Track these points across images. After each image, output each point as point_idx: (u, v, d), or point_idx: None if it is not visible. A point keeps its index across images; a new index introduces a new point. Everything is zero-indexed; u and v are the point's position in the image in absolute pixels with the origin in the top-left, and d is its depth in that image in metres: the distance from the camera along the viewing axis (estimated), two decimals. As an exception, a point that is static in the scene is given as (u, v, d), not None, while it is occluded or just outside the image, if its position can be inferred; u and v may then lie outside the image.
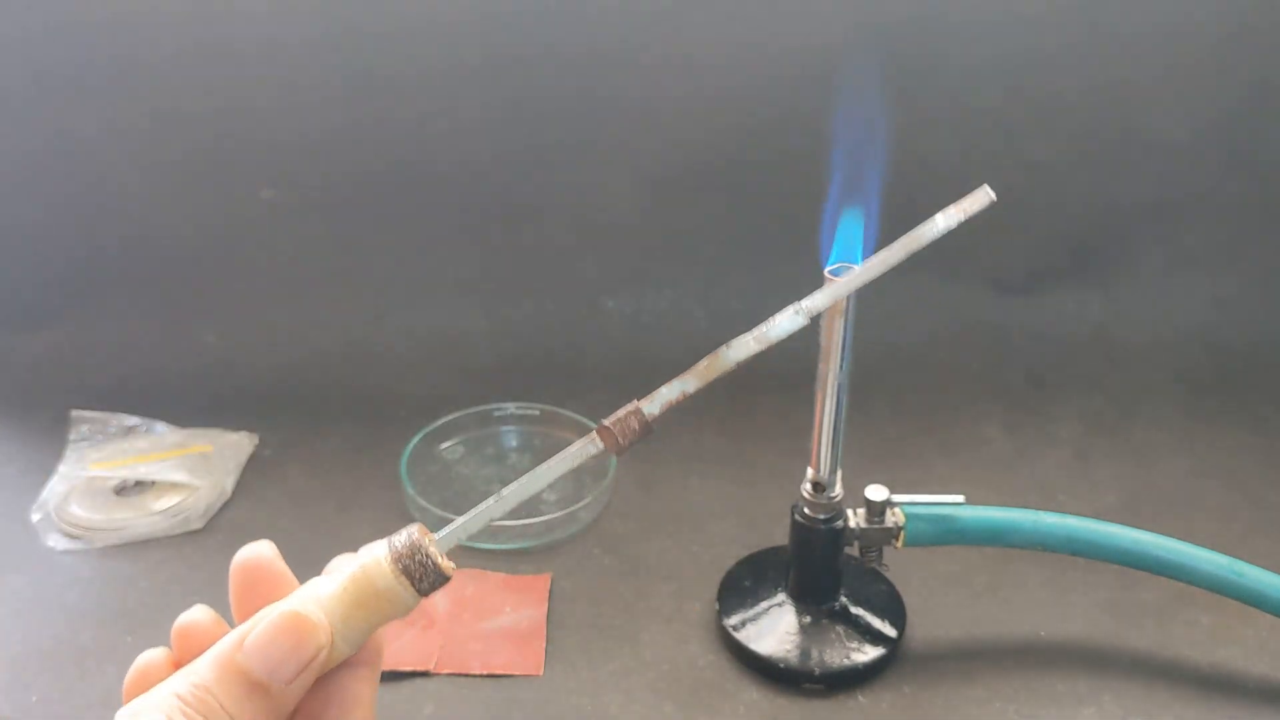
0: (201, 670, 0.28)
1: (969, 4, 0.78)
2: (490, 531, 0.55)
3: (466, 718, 0.52)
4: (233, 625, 0.32)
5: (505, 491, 0.35)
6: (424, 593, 0.33)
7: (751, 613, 0.56)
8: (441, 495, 0.66)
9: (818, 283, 0.48)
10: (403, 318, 0.82)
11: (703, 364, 0.35)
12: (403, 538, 0.34)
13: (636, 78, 0.80)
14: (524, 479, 0.36)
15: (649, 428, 0.36)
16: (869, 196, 0.47)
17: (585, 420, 0.71)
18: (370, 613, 0.32)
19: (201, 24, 0.77)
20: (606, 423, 0.36)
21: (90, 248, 0.82)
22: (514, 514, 0.58)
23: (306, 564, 0.36)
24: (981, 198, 0.39)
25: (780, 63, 0.79)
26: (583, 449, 0.36)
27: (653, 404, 0.36)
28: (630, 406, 0.36)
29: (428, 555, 0.33)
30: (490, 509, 0.35)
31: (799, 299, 0.37)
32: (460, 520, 0.35)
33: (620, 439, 0.36)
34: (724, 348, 0.35)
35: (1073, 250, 0.85)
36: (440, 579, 0.33)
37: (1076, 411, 0.76)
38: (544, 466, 0.36)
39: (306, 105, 0.80)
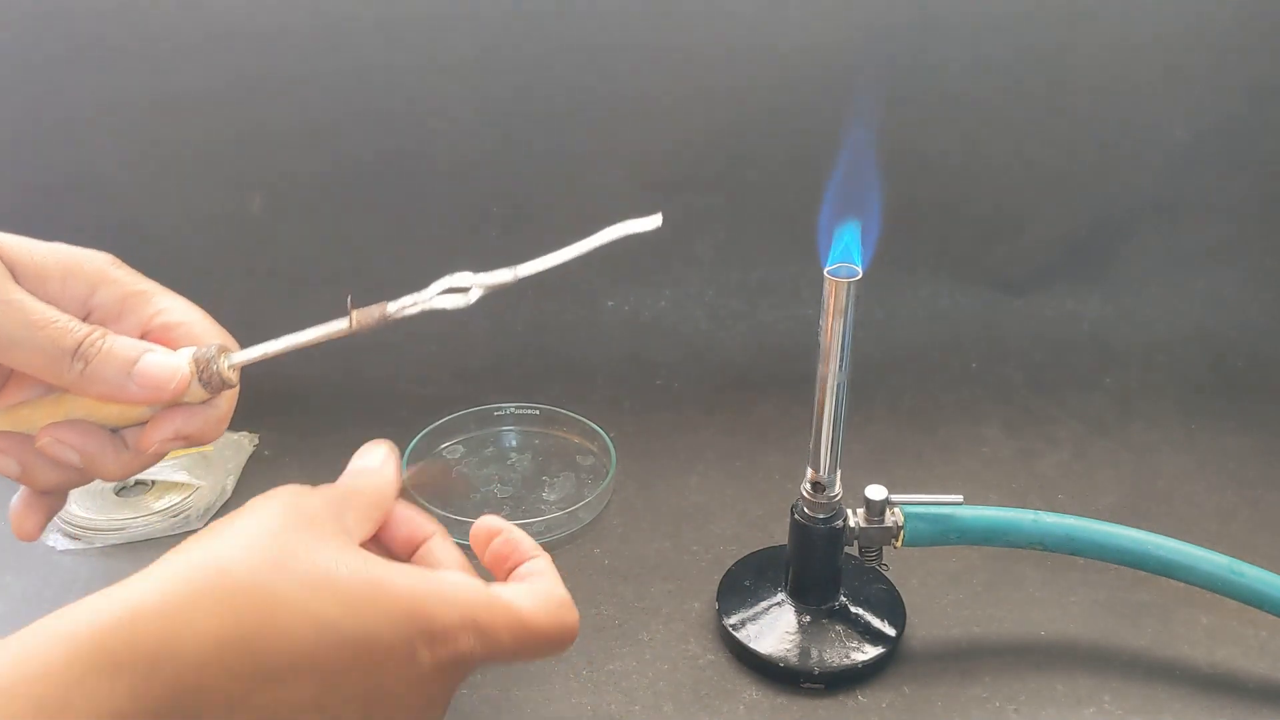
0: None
1: (969, 3, 0.78)
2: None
3: (466, 717, 0.52)
4: None
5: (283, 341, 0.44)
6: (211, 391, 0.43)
7: (751, 612, 0.56)
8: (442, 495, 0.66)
9: (818, 283, 0.48)
10: (402, 317, 0.82)
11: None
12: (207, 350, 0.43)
13: (636, 77, 0.80)
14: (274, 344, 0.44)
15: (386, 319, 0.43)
16: (869, 196, 0.47)
17: (585, 420, 0.71)
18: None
19: (201, 23, 0.77)
20: (355, 311, 0.43)
21: (88, 246, 0.82)
22: (514, 515, 0.58)
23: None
24: (651, 222, 0.47)
25: (780, 61, 0.79)
26: (329, 327, 0.43)
27: (394, 305, 0.44)
28: (379, 305, 0.43)
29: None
30: (266, 345, 0.44)
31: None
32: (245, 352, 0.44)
33: (359, 322, 0.43)
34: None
35: (1073, 250, 0.85)
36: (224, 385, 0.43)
37: (1076, 411, 0.76)
38: (288, 338, 0.44)
39: (305, 104, 0.80)
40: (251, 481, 0.69)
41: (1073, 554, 0.54)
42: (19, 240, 0.43)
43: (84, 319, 0.43)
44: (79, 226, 0.82)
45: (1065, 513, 0.54)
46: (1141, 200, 0.84)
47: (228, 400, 0.45)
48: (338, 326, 0.43)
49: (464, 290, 0.42)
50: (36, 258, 0.43)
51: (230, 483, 0.68)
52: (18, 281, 0.41)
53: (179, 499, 0.65)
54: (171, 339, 0.44)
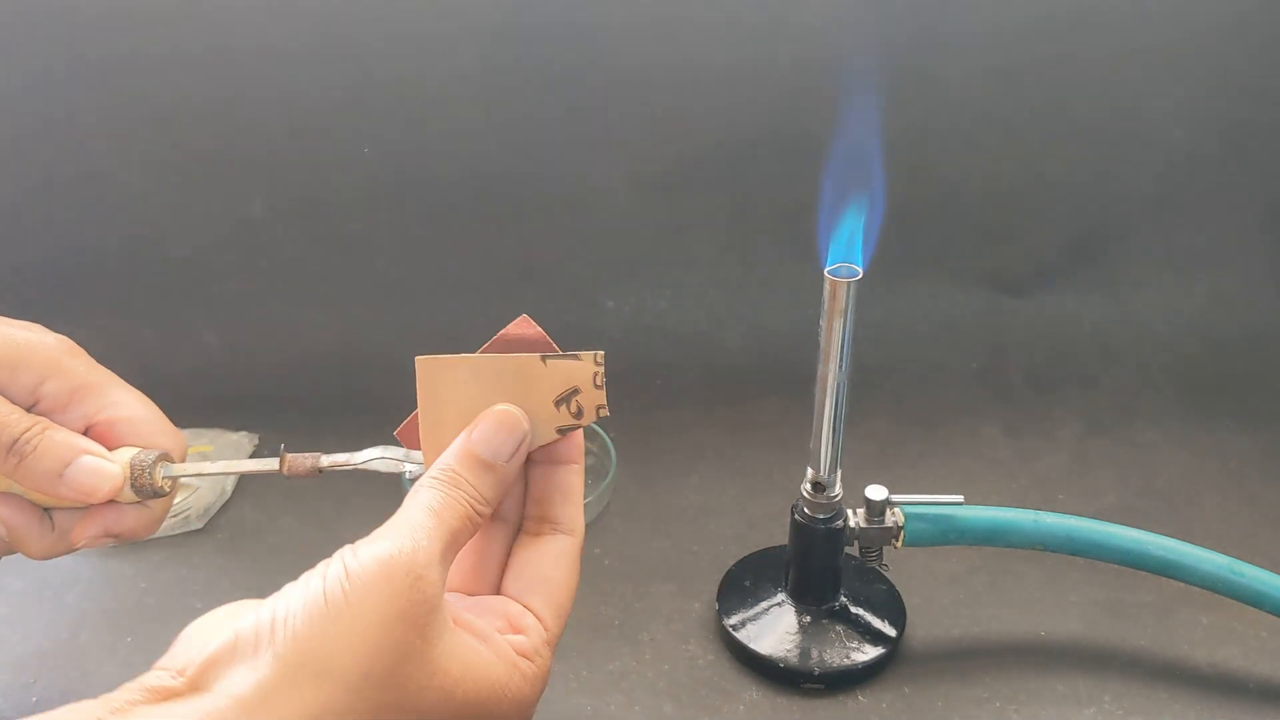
0: (447, 458, 0.39)
1: (970, 5, 0.78)
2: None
3: (466, 718, 0.52)
4: None
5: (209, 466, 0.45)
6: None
7: (751, 612, 0.56)
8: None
9: (818, 283, 0.48)
10: (402, 318, 0.82)
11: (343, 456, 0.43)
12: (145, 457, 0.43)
13: (636, 77, 0.80)
14: (210, 465, 0.45)
15: (317, 472, 0.43)
16: (869, 196, 0.47)
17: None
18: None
19: (200, 24, 0.77)
20: (288, 455, 0.43)
21: (90, 248, 0.82)
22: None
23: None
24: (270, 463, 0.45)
25: (781, 61, 0.79)
26: (261, 463, 0.44)
27: (328, 459, 0.43)
28: (313, 455, 0.43)
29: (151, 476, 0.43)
30: (202, 465, 0.44)
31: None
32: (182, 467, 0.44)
33: (290, 468, 0.43)
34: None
35: (1073, 250, 0.85)
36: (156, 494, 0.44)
37: (1076, 411, 0.76)
38: (223, 463, 0.45)
39: (306, 106, 0.80)
40: (251, 481, 0.68)
41: (1073, 554, 0.54)
42: None
43: (30, 407, 0.43)
44: (80, 228, 0.82)
45: (1065, 513, 0.54)
46: (1141, 200, 0.84)
47: (162, 504, 0.45)
48: (269, 465, 0.43)
49: (397, 460, 0.43)
50: None
51: (230, 483, 0.68)
52: None
53: (179, 499, 0.65)
54: (116, 435, 0.44)
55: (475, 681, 0.36)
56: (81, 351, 0.45)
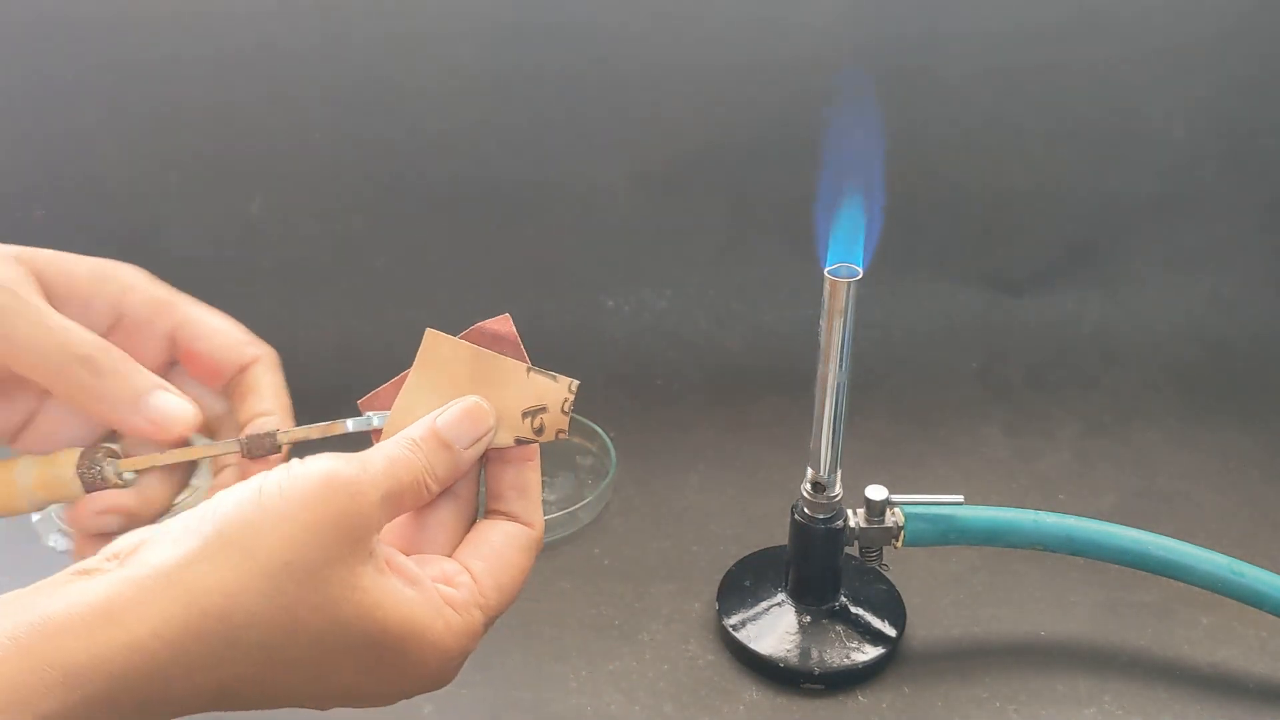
0: (411, 430, 0.40)
1: (971, 5, 0.78)
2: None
3: (466, 717, 0.52)
4: None
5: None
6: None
7: (751, 612, 0.56)
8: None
9: (818, 283, 0.48)
10: (402, 317, 0.82)
11: (323, 424, 0.43)
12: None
13: (636, 76, 0.80)
14: (164, 456, 0.43)
15: (278, 448, 0.43)
16: (869, 196, 0.47)
17: (585, 420, 0.71)
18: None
19: (200, 23, 0.77)
20: (245, 434, 0.43)
21: (90, 250, 0.82)
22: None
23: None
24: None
25: (781, 61, 0.79)
26: (221, 446, 0.43)
27: (286, 434, 0.43)
28: (270, 434, 0.43)
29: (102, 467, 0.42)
30: (155, 456, 0.43)
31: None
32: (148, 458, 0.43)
33: (250, 449, 0.43)
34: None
35: (1073, 250, 0.85)
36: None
37: (1076, 411, 0.76)
38: (179, 451, 0.43)
39: (304, 105, 0.80)
40: (251, 481, 0.68)
41: (1073, 554, 0.54)
42: (48, 253, 0.43)
43: (113, 324, 0.43)
44: (79, 228, 0.82)
45: (1065, 513, 0.54)
46: (1141, 200, 0.84)
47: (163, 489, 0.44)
48: (229, 448, 0.43)
49: (362, 430, 0.43)
50: (65, 265, 0.43)
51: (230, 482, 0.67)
52: (48, 292, 0.42)
53: (181, 497, 0.65)
54: (200, 348, 0.44)
55: (396, 611, 0.36)
56: (156, 279, 0.45)
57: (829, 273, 0.47)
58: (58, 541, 0.63)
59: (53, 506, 0.65)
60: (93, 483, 0.42)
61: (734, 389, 0.78)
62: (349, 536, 0.35)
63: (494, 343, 0.43)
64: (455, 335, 0.43)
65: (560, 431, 0.42)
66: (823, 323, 0.49)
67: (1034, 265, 0.85)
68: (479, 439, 0.41)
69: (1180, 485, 0.69)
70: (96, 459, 0.42)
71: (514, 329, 0.43)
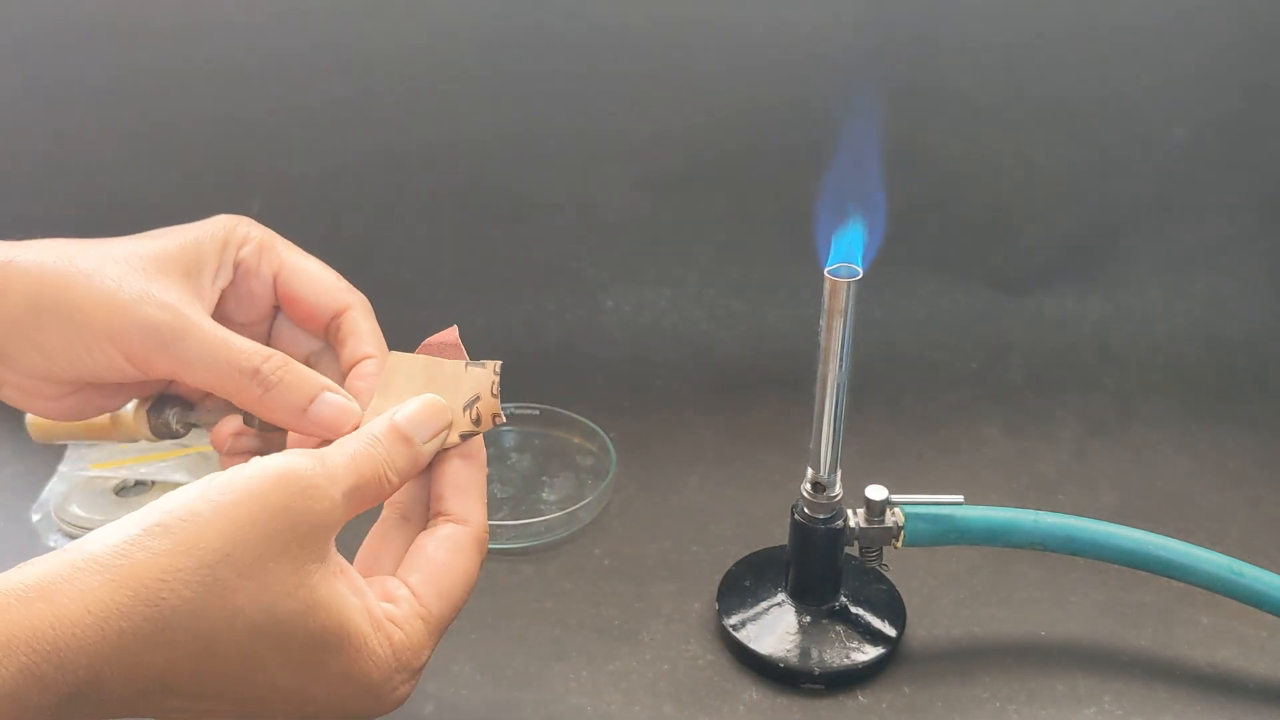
0: (372, 425, 0.41)
1: (970, 4, 0.78)
2: (490, 531, 0.55)
3: (466, 718, 0.52)
4: None
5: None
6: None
7: (751, 612, 0.56)
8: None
9: (818, 283, 0.48)
10: (402, 317, 0.82)
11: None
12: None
13: (636, 76, 0.80)
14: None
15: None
16: (869, 196, 0.47)
17: (585, 420, 0.71)
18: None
19: (200, 26, 0.77)
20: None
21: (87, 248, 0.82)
22: (514, 515, 0.58)
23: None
24: None
25: (781, 60, 0.79)
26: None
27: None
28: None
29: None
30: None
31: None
32: None
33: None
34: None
35: (1073, 250, 0.85)
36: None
37: (1076, 411, 0.76)
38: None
39: (304, 104, 0.80)
40: (251, 481, 0.68)
41: (1073, 554, 0.54)
42: (168, 240, 0.46)
43: (234, 278, 0.46)
44: (78, 228, 0.82)
45: (1065, 513, 0.54)
46: (1141, 200, 0.84)
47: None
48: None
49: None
50: (187, 240, 0.46)
51: (230, 483, 0.67)
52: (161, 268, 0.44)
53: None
54: (299, 293, 0.47)
55: (336, 616, 0.36)
56: (254, 222, 0.49)
57: (829, 273, 0.47)
58: (58, 541, 0.63)
59: (53, 506, 0.65)
60: (159, 430, 0.48)
61: (734, 389, 0.78)
62: (297, 531, 0.36)
63: (442, 351, 0.45)
64: (476, 345, 0.45)
65: (496, 416, 0.43)
66: (823, 323, 0.49)
67: (1034, 265, 0.85)
68: (437, 433, 0.42)
69: (1180, 485, 0.69)
70: (164, 413, 0.48)
71: (457, 336, 0.45)
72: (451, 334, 0.45)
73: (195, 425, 0.49)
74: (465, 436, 0.43)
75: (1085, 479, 0.69)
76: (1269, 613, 0.52)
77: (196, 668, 0.34)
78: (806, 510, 0.53)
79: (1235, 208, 0.84)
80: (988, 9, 0.78)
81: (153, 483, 0.67)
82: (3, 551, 0.63)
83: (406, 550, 0.42)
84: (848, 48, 0.79)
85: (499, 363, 0.44)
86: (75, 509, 0.65)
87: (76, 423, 0.47)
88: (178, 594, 0.33)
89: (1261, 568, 0.52)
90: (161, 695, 0.34)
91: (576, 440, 0.71)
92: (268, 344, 0.48)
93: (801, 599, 0.56)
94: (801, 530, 0.54)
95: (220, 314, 0.46)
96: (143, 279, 0.43)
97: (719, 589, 0.58)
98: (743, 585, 0.58)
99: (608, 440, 0.69)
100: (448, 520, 0.42)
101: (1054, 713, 0.52)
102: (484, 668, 0.55)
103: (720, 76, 0.80)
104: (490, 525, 0.44)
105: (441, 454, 0.43)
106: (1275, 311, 0.83)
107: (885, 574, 0.58)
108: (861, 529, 0.54)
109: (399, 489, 0.41)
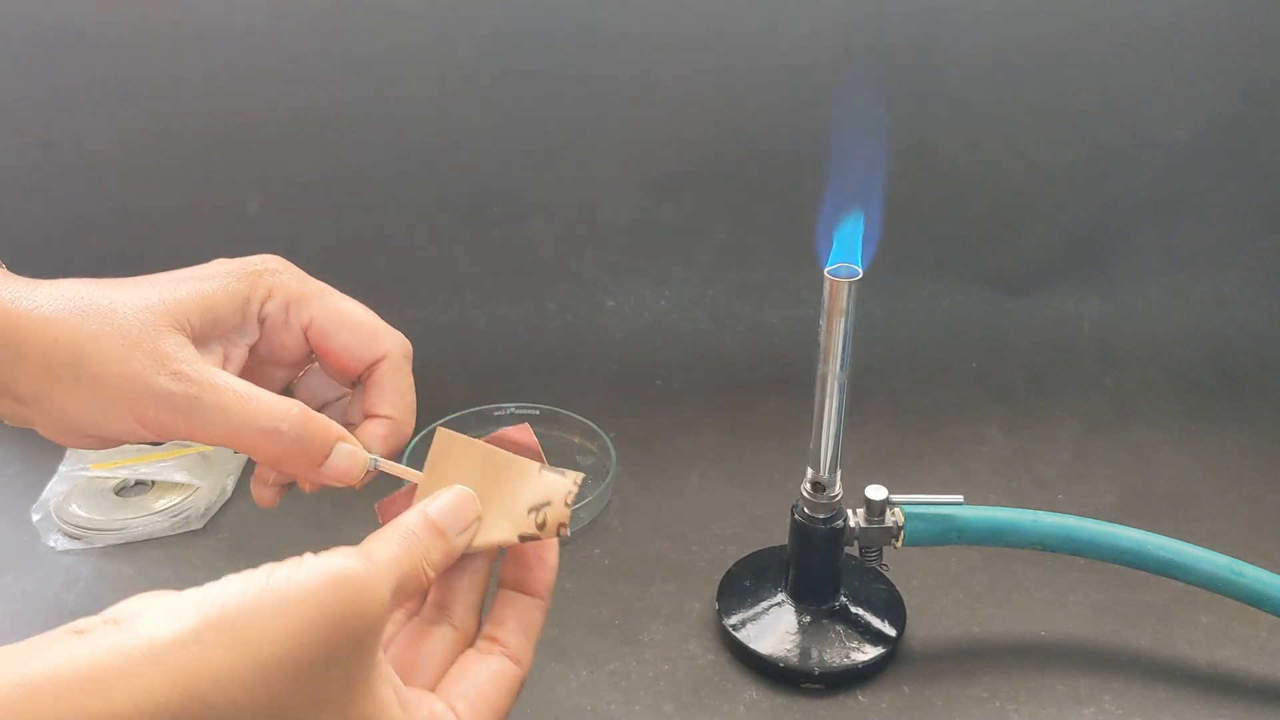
0: (406, 518, 0.40)
1: (970, 4, 0.78)
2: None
3: (466, 718, 0.52)
4: None
5: None
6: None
7: (751, 612, 0.56)
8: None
9: (818, 283, 0.48)
10: (402, 317, 0.82)
11: None
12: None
13: (637, 76, 0.80)
14: None
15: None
16: (870, 197, 0.47)
17: (585, 420, 0.71)
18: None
19: (200, 27, 0.77)
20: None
21: (92, 253, 0.82)
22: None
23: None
24: None
25: (781, 60, 0.79)
26: None
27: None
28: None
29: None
30: None
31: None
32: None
33: None
34: None
35: (1073, 250, 0.85)
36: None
37: (1076, 411, 0.76)
38: None
39: (304, 104, 0.80)
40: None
41: (1073, 554, 0.54)
42: (194, 299, 0.44)
43: (261, 331, 0.46)
44: (78, 228, 0.82)
45: (1065, 513, 0.54)
46: (1141, 200, 0.84)
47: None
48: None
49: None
50: (210, 305, 0.45)
51: (230, 483, 0.68)
52: (200, 336, 0.44)
53: (179, 499, 0.65)
54: (333, 342, 0.47)
55: None
56: (290, 266, 0.48)
57: (829, 273, 0.47)
58: (58, 541, 0.63)
59: (53, 506, 0.65)
60: None
61: (734, 389, 0.78)
62: (353, 638, 0.35)
63: (516, 449, 0.44)
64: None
65: (562, 526, 0.42)
66: (823, 323, 0.49)
67: (1034, 265, 0.85)
68: (467, 526, 0.42)
69: (1180, 485, 0.69)
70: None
71: (532, 436, 0.44)
72: (525, 433, 0.44)
73: None
74: (525, 539, 0.42)
75: (1085, 479, 0.69)
76: (1269, 613, 0.52)
77: None
78: (806, 510, 0.53)
79: (1235, 208, 0.84)
80: (988, 10, 0.78)
81: (153, 483, 0.67)
82: (3, 551, 0.63)
83: (445, 656, 0.42)
84: (848, 48, 0.79)
85: (581, 475, 0.43)
86: (75, 509, 0.65)
87: None
88: (228, 696, 0.32)
89: (1261, 568, 0.52)
90: None
91: (576, 440, 0.71)
92: (300, 383, 0.50)
93: (801, 599, 0.56)
94: (801, 530, 0.54)
95: (252, 359, 0.47)
96: (155, 338, 0.42)
97: (719, 589, 0.58)
98: (743, 585, 0.58)
99: (608, 440, 0.69)
100: (503, 653, 0.42)
101: (1054, 712, 0.52)
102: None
103: (720, 77, 0.80)
104: None
105: (510, 577, 0.43)
106: (1275, 311, 0.84)
107: (885, 574, 0.58)
108: (861, 529, 0.54)
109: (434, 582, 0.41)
